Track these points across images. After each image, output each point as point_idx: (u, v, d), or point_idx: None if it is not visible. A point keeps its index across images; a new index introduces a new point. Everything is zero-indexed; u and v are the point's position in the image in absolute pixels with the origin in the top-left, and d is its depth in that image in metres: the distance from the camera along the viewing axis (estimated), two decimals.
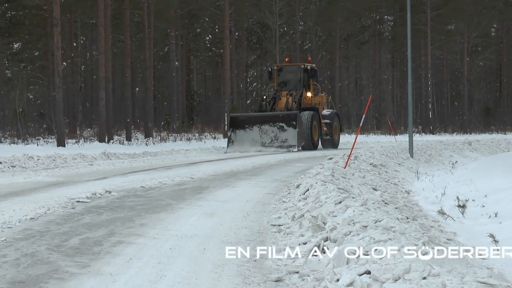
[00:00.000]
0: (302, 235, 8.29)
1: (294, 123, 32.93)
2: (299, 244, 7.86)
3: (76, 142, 35.85)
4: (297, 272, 6.65)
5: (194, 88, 68.79)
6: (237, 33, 68.82)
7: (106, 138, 37.12)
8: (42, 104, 51.86)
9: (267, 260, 7.32)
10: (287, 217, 10.05)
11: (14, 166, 21.09)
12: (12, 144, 30.90)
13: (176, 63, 55.20)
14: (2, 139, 34.24)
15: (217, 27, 70.08)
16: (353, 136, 49.14)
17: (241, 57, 69.13)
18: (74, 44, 55.71)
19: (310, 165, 19.70)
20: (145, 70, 46.81)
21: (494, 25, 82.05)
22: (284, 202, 11.98)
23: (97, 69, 41.85)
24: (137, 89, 64.17)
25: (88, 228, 9.13)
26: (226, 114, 46.71)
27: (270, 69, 37.83)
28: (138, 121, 57.95)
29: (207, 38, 75.25)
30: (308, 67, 37.20)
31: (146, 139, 41.95)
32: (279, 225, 9.50)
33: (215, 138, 45.70)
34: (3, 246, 7.90)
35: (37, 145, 31.87)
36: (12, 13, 51.14)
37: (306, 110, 35.41)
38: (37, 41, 51.43)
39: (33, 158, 22.69)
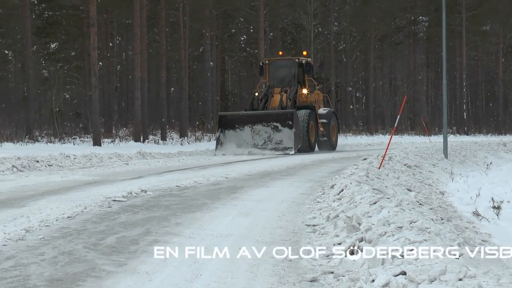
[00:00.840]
0: (337, 236, 8.30)
1: (290, 122, 30.23)
2: (334, 245, 7.87)
3: (111, 141, 36.10)
4: (332, 272, 6.67)
5: (228, 88, 68.95)
6: (271, 34, 68.82)
7: (142, 138, 37.30)
8: (78, 103, 52.34)
9: (302, 260, 7.34)
10: (321, 217, 10.05)
11: (51, 165, 21.27)
12: (49, 143, 31.22)
13: (211, 63, 55.34)
14: (39, 138, 34.58)
15: (251, 27, 70.04)
16: (388, 136, 48.97)
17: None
18: (110, 44, 56.23)
19: (344, 166, 19.68)
20: (180, 70, 46.93)
21: None
22: (318, 202, 11.97)
23: (132, 69, 42.10)
24: (172, 89, 64.41)
25: (124, 227, 9.22)
26: None
27: (261, 63, 35.17)
28: (173, 120, 58.26)
29: (242, 39, 75.27)
30: (303, 61, 34.40)
31: (181, 138, 42.09)
32: (314, 225, 9.51)
33: None
34: (41, 244, 8.00)
35: (74, 144, 32.16)
36: (49, 13, 51.72)
37: (301, 109, 32.82)
38: (73, 41, 51.88)
39: (69, 157, 22.88)
